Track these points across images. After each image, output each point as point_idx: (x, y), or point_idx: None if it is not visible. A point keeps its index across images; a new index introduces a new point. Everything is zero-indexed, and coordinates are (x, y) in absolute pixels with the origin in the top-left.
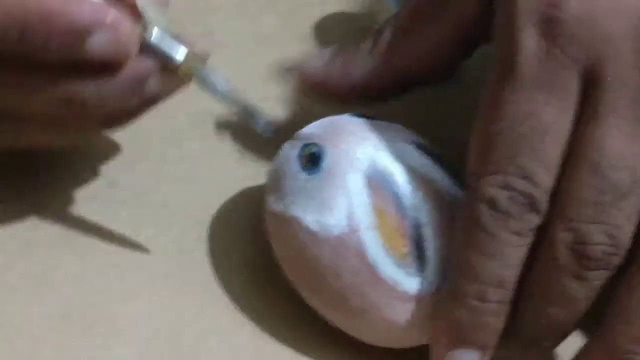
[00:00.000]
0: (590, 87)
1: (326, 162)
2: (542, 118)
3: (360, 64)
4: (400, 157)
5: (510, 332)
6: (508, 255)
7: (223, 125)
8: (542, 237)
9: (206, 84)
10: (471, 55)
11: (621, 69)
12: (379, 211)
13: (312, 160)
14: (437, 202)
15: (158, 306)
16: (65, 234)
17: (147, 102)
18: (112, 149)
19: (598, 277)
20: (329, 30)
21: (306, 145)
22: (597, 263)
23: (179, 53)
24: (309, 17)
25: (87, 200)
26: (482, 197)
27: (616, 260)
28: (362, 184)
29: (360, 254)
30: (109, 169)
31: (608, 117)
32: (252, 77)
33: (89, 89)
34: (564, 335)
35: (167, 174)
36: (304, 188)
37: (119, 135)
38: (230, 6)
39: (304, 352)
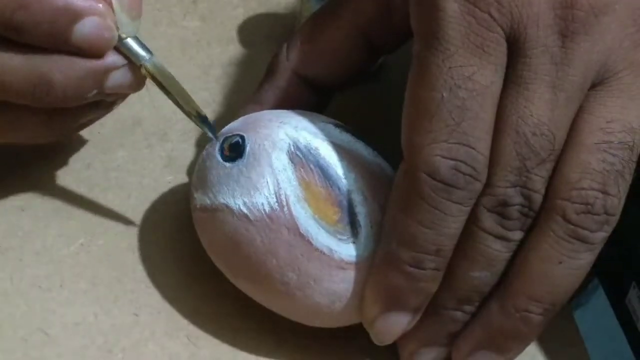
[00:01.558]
0: (513, 53)
1: (248, 148)
2: (480, 81)
3: (271, 85)
4: (321, 134)
5: (437, 300)
6: (447, 225)
7: (150, 132)
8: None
9: (166, 86)
10: (376, 60)
11: (541, 33)
12: (305, 184)
13: (235, 149)
14: (363, 171)
15: (91, 316)
16: None
17: (101, 105)
18: (41, 160)
19: (516, 237)
20: (253, 32)
21: (227, 138)
22: (514, 223)
23: (145, 54)
24: (232, 19)
25: (17, 211)
26: (423, 167)
27: (529, 222)
28: (286, 161)
29: (293, 227)
30: (38, 179)
31: (530, 83)
32: (178, 80)
33: (59, 71)
34: (482, 298)
35: (95, 182)
36: (230, 175)
37: (47, 145)
38: (153, 11)
39: (243, 350)
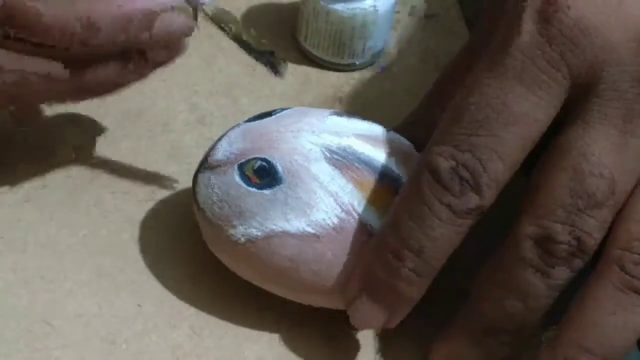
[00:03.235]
0: (584, 93)
1: (280, 169)
2: (514, 109)
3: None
4: (340, 129)
5: (467, 318)
6: (432, 225)
7: (153, 123)
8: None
9: (225, 27)
10: None
11: (619, 78)
12: (359, 184)
13: (263, 174)
14: (396, 150)
15: (95, 307)
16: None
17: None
18: (44, 152)
19: (559, 276)
20: (256, 22)
21: (244, 164)
22: (559, 261)
23: None
24: (235, 10)
25: (20, 202)
26: (427, 163)
27: (579, 264)
28: (329, 170)
29: (365, 230)
30: (41, 170)
31: (599, 123)
32: (181, 70)
33: (104, 12)
34: (521, 333)
35: (99, 173)
36: (274, 201)
37: (49, 136)
38: None
39: (247, 340)
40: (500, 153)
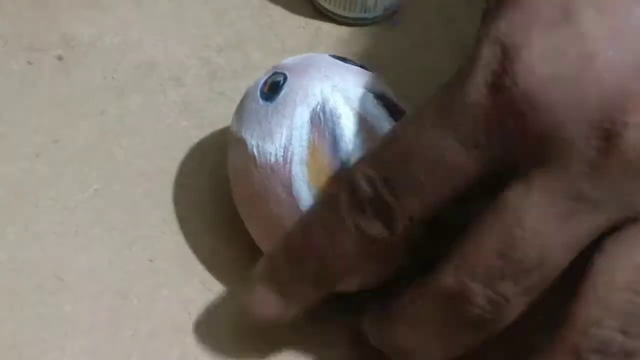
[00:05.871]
0: (529, 160)
1: (283, 92)
2: (443, 157)
3: None
4: (354, 102)
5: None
6: (340, 240)
7: (164, 77)
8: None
9: None
10: None
11: (568, 157)
12: (313, 148)
13: (273, 88)
14: (364, 134)
15: (106, 262)
16: (11, 192)
17: None
18: (55, 106)
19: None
20: None
21: (273, 74)
22: (467, 322)
23: None
24: None
25: (31, 157)
26: (350, 180)
27: (492, 327)
28: (306, 119)
29: (287, 185)
30: (52, 125)
31: (541, 194)
32: (192, 24)
33: None
34: None
35: (110, 128)
36: (257, 113)
37: (59, 90)
38: None
39: None
40: (419, 193)
